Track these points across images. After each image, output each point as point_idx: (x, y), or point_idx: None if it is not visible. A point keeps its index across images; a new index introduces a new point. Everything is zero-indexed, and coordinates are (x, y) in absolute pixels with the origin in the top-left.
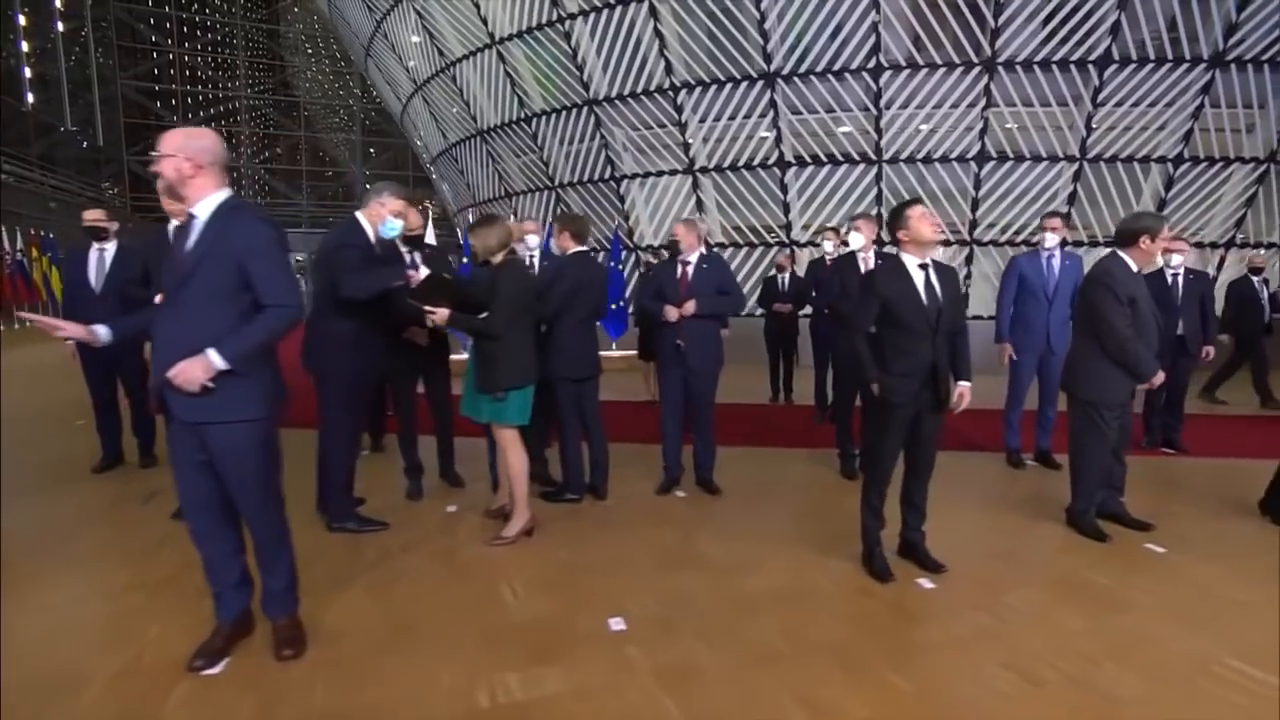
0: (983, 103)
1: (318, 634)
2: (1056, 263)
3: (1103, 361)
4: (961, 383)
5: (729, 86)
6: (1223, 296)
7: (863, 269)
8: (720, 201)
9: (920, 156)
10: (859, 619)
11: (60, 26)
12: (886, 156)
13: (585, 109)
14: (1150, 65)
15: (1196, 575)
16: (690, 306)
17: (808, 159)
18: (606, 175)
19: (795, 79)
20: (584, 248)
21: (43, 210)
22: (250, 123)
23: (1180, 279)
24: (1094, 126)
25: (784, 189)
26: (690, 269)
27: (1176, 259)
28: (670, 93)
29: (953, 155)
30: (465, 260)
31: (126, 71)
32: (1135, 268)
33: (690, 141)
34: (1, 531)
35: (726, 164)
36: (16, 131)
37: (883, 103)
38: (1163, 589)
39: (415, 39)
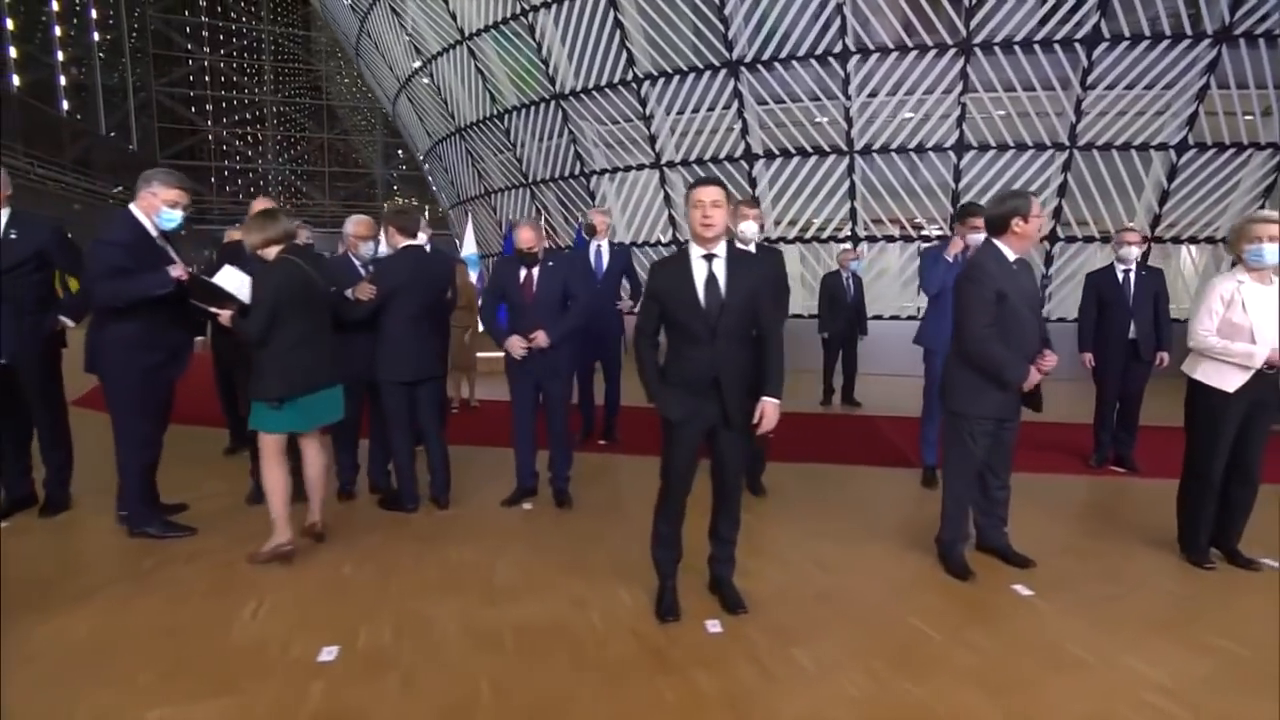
0: (959, 88)
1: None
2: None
3: (967, 368)
4: (766, 399)
5: (691, 77)
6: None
7: None
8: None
9: (894, 147)
10: (605, 667)
11: (96, 36)
12: (859, 147)
13: (553, 104)
14: (1145, 43)
15: (1045, 627)
16: (541, 338)
17: (776, 151)
18: (577, 171)
19: (759, 67)
20: (416, 242)
21: (67, 211)
22: (277, 125)
23: (1132, 275)
24: (1085, 111)
25: (753, 183)
26: (536, 271)
27: (1129, 252)
28: (634, 84)
29: (929, 145)
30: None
31: (161, 78)
32: (1012, 256)
33: (656, 135)
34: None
35: (693, 157)
36: (50, 137)
37: (851, 89)
38: (993, 645)
39: (391, 36)
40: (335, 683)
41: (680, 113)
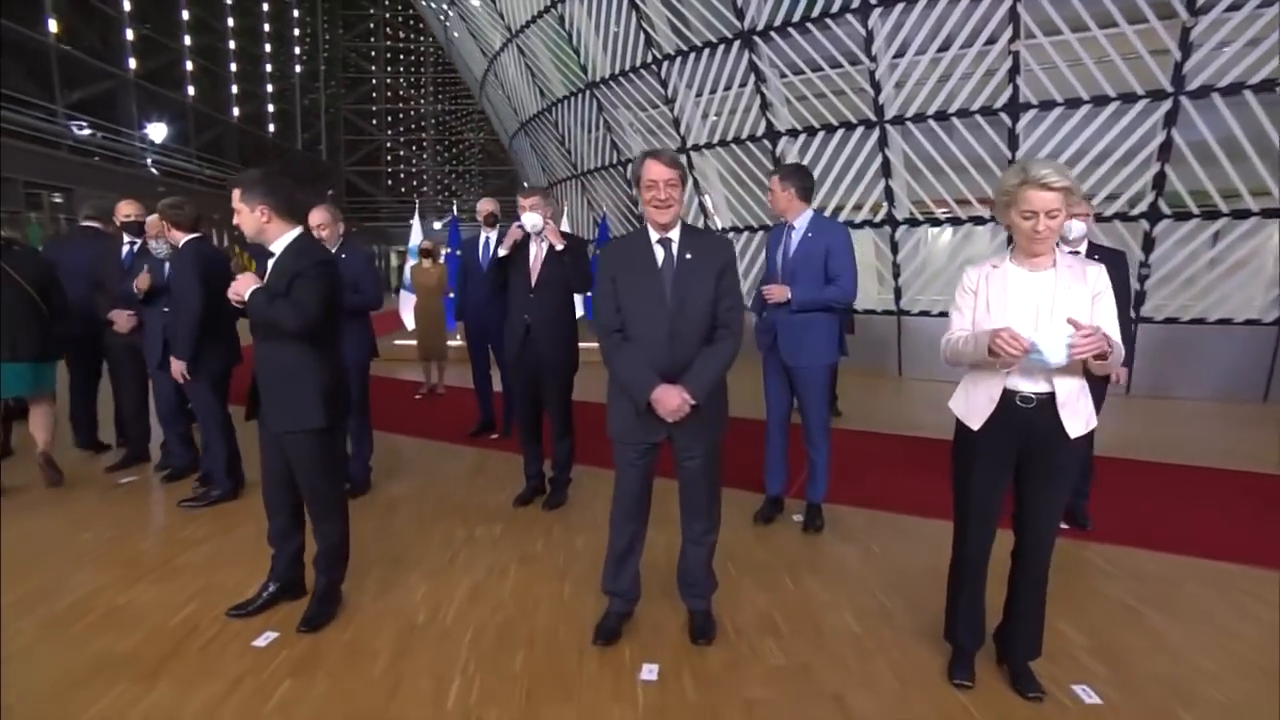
0: (1008, 33)
1: None
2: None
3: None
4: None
5: (706, 53)
6: None
7: (533, 256)
8: (727, 178)
9: (931, 113)
10: None
11: (298, 69)
12: (889, 116)
13: (588, 93)
14: None
15: None
16: None
17: (799, 127)
18: (614, 160)
19: (773, 35)
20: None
21: None
22: (437, 131)
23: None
24: (1194, 44)
25: (776, 163)
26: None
27: (1075, 228)
28: (654, 66)
29: (974, 108)
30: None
31: (348, 97)
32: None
33: (679, 118)
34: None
35: (716, 139)
36: (260, 155)
37: (875, 48)
38: None
39: (456, 34)
40: None
41: (700, 94)
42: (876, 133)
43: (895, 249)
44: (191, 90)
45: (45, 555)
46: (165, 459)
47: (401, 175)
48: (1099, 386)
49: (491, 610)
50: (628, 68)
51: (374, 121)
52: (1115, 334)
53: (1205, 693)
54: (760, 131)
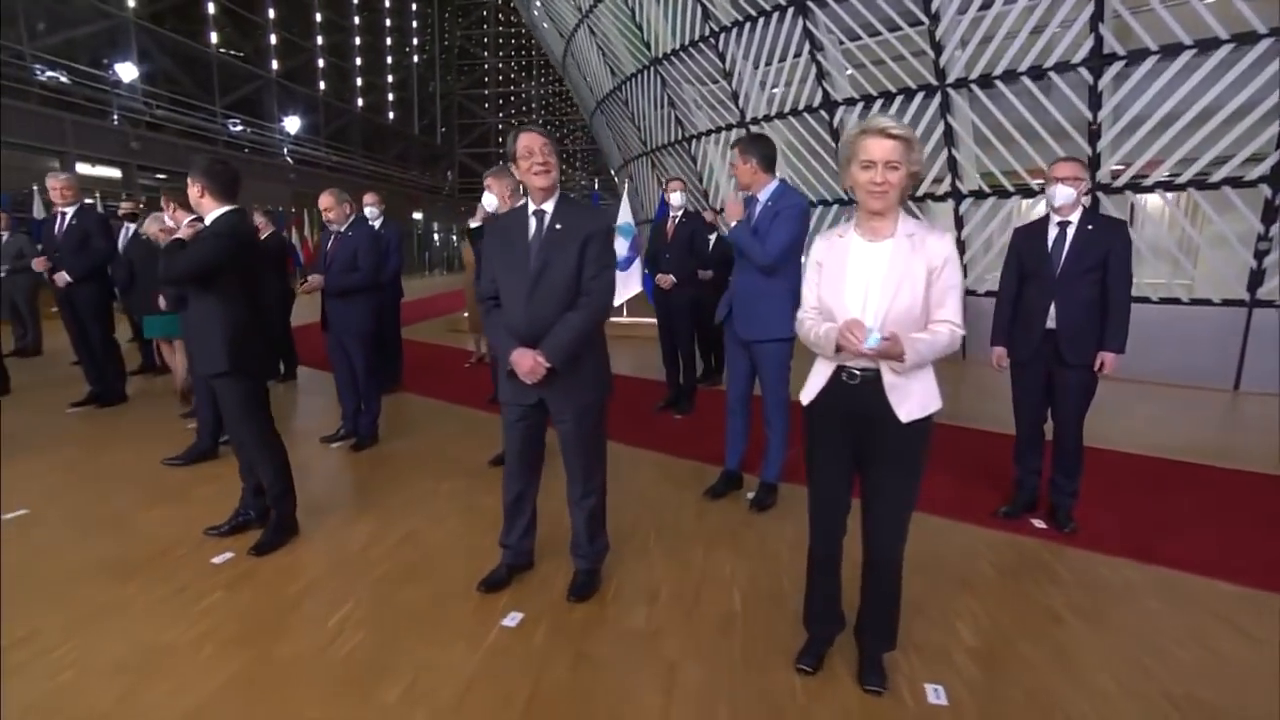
0: None
1: None
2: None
3: None
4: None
5: (761, 22)
6: None
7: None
8: (787, 153)
9: (999, 73)
10: None
11: (415, 59)
12: (951, 80)
13: (652, 69)
14: None
15: None
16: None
17: (856, 96)
18: (679, 136)
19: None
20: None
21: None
22: (543, 113)
23: (1070, 232)
24: None
25: (834, 135)
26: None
27: (1058, 194)
28: (712, 40)
29: (1048, 64)
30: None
31: (462, 83)
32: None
33: (738, 92)
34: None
35: (774, 112)
36: (381, 141)
37: (935, 6)
38: None
39: (537, 15)
40: None
41: (758, 65)
42: (938, 98)
43: (960, 224)
44: (322, 85)
45: (106, 475)
46: None
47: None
48: (1081, 373)
49: (412, 551)
50: (688, 42)
51: (486, 105)
52: (952, 311)
53: (1074, 713)
54: (818, 102)
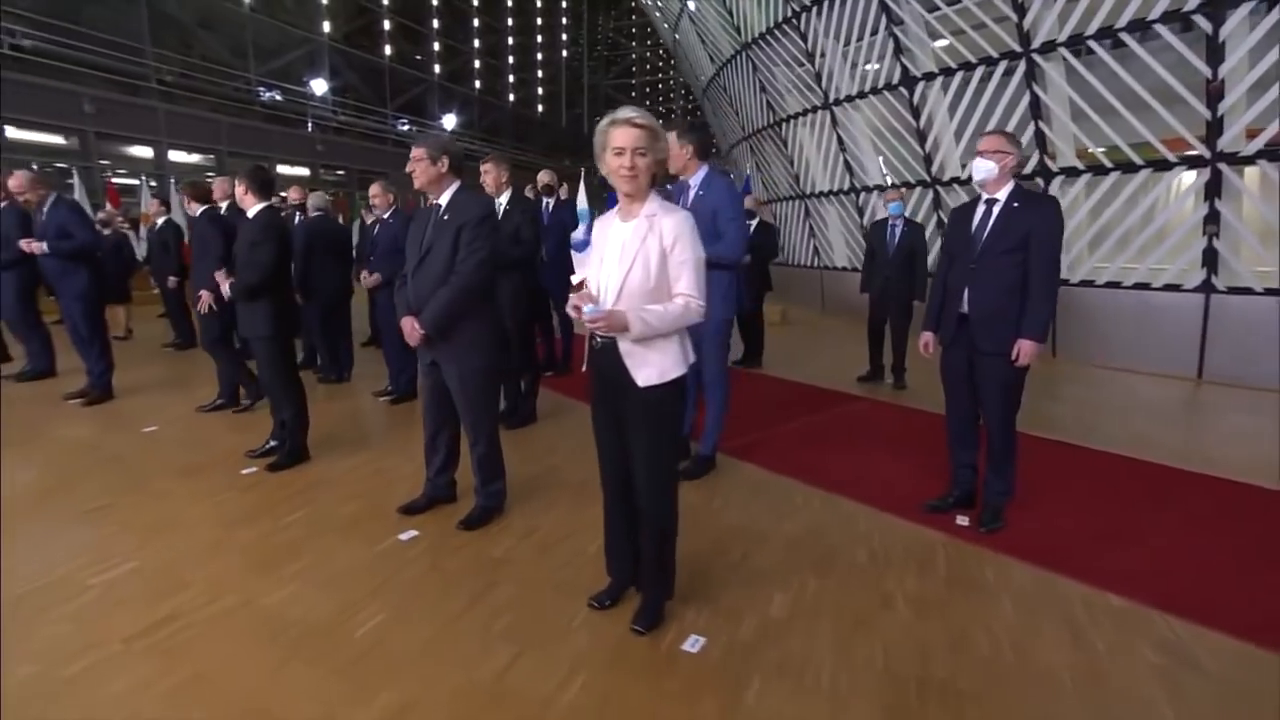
0: None
1: None
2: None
3: None
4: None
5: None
6: None
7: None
8: (873, 136)
9: (1091, 32)
10: None
11: (565, 54)
12: (1036, 44)
13: (744, 54)
14: None
15: None
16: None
17: (935, 70)
18: (770, 120)
19: None
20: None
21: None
22: (684, 99)
23: (996, 210)
24: None
25: (915, 113)
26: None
27: (979, 168)
28: (794, 20)
29: (1152, 15)
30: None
31: (608, 74)
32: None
33: (821, 72)
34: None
35: (855, 92)
36: (530, 132)
37: None
38: None
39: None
40: None
41: (842, 42)
42: (1022, 65)
43: None
44: (477, 84)
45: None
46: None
47: None
48: (996, 361)
49: (376, 480)
50: (773, 24)
51: (632, 94)
52: (687, 285)
53: (808, 683)
54: (896, 79)
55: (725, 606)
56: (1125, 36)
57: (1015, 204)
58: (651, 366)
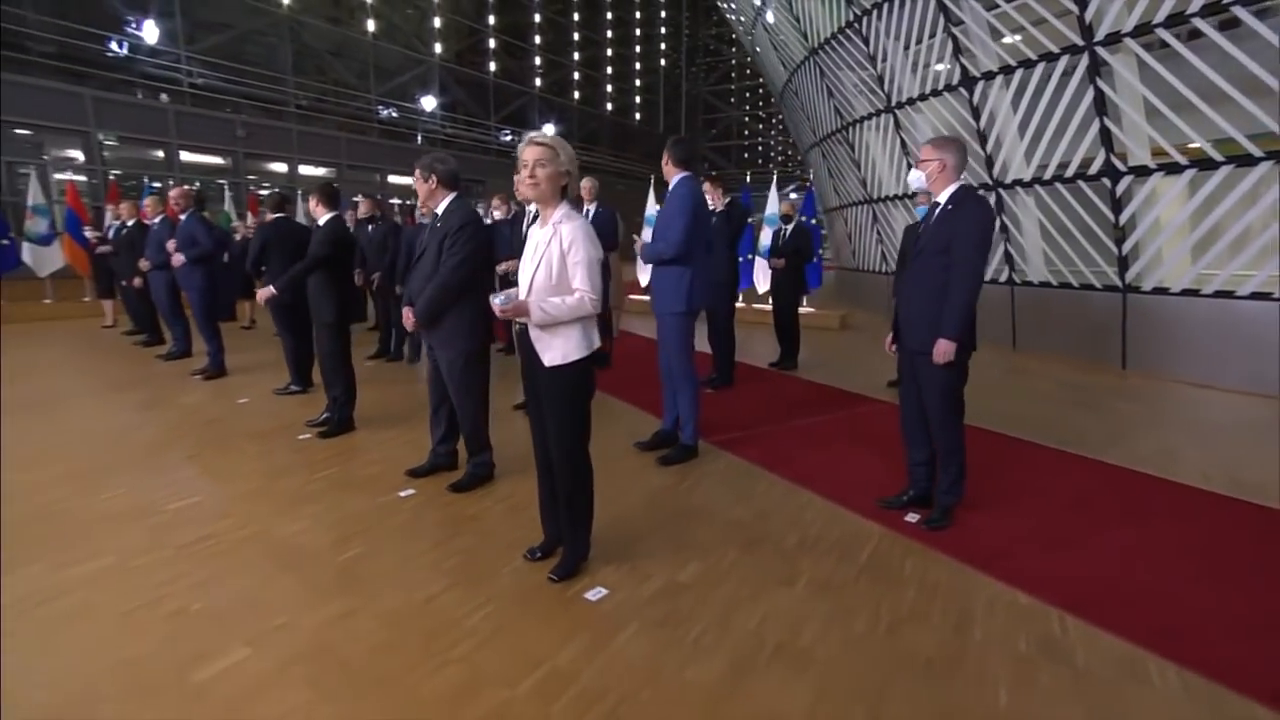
0: None
1: None
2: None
3: None
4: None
5: (899, 1)
6: None
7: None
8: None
9: (1161, 20)
10: None
11: (663, 62)
12: (1100, 37)
13: (811, 59)
14: None
15: None
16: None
17: (995, 70)
18: (838, 125)
19: None
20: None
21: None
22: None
23: (935, 213)
24: None
25: (975, 114)
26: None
27: (913, 177)
28: (856, 24)
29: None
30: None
31: (708, 80)
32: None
33: (883, 75)
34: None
35: (917, 94)
36: (628, 140)
37: None
38: None
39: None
40: None
41: (899, 43)
42: (1085, 60)
43: (1118, 207)
44: (576, 94)
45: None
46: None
47: (747, 150)
48: (925, 361)
49: (405, 450)
50: (837, 29)
51: (731, 100)
52: (580, 281)
53: (681, 635)
54: (956, 79)
55: (641, 569)
56: (1202, 24)
57: (950, 206)
58: (555, 350)
